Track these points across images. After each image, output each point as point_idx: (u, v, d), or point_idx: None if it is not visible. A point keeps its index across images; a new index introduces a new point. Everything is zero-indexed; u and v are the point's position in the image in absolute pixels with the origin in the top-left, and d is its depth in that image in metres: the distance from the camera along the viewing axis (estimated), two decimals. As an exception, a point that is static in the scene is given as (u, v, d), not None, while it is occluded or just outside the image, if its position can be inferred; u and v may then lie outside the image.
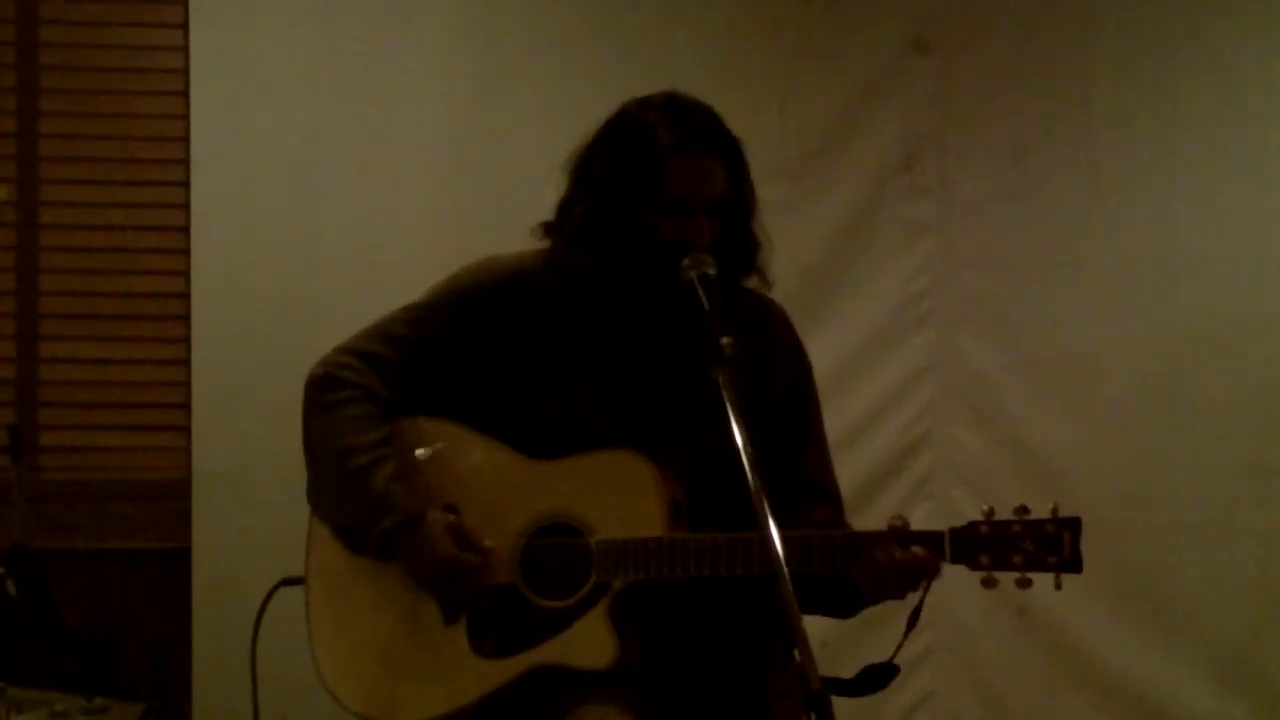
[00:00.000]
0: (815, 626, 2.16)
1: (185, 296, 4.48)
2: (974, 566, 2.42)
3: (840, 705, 2.06)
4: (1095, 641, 4.54)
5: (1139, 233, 4.61)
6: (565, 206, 2.67)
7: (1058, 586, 2.38)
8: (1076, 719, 4.56)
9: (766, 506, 2.21)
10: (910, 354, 4.63)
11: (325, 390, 2.67)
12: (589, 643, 2.48)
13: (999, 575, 2.41)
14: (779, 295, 2.82)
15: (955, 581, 4.38)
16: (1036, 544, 2.39)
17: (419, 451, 2.66)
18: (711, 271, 2.48)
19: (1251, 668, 4.50)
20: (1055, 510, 2.40)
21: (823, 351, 2.83)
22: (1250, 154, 4.60)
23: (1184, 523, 4.53)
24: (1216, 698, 4.50)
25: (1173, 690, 4.52)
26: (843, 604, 2.58)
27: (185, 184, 4.47)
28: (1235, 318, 4.57)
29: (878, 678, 2.60)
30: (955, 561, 2.42)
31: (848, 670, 2.60)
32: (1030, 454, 4.55)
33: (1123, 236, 4.62)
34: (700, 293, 2.45)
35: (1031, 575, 2.40)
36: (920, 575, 2.42)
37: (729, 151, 2.61)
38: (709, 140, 2.59)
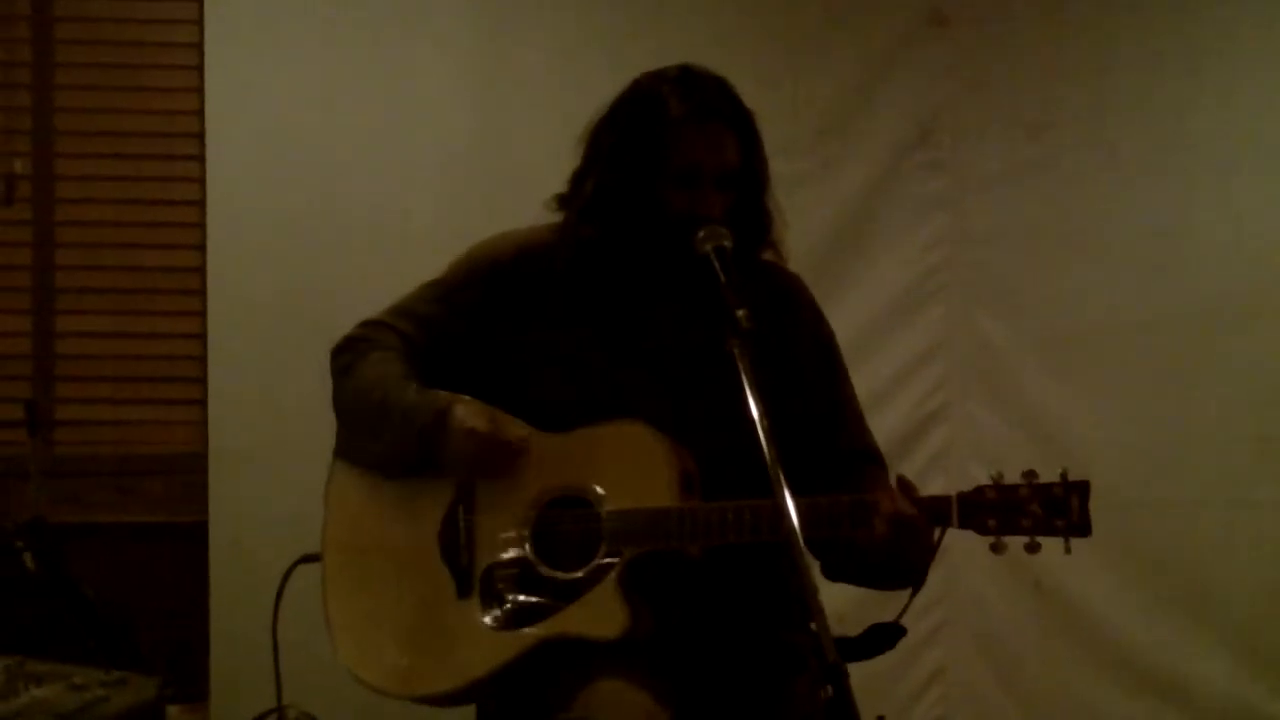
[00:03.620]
0: (831, 599, 2.16)
1: (201, 270, 4.49)
2: (982, 531, 2.41)
3: (856, 678, 2.06)
4: (1110, 616, 4.54)
5: (1154, 208, 4.60)
6: (577, 178, 2.68)
7: (1067, 550, 2.37)
8: (1091, 694, 4.56)
9: (782, 477, 2.20)
10: (924, 329, 4.64)
11: (348, 351, 2.71)
12: (599, 613, 2.49)
13: (1007, 540, 2.40)
14: (794, 268, 2.81)
15: (969, 556, 4.40)
16: (1045, 507, 2.38)
17: None
18: (727, 244, 2.47)
19: (1268, 641, 4.49)
20: (1064, 474, 2.39)
21: (837, 325, 2.82)
22: (1267, 130, 4.58)
23: (1199, 498, 4.52)
24: (1232, 672, 4.50)
25: (1188, 665, 4.52)
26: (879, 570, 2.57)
27: (201, 158, 4.47)
28: (1251, 293, 4.56)
29: (884, 637, 2.59)
30: (963, 526, 2.41)
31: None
32: (1045, 429, 4.55)
33: (1138, 211, 4.61)
34: (716, 265, 2.44)
35: (1040, 539, 2.39)
36: (910, 535, 2.41)
37: (741, 123, 2.61)
38: (721, 111, 2.58)
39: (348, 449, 2.72)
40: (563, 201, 2.70)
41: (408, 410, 2.59)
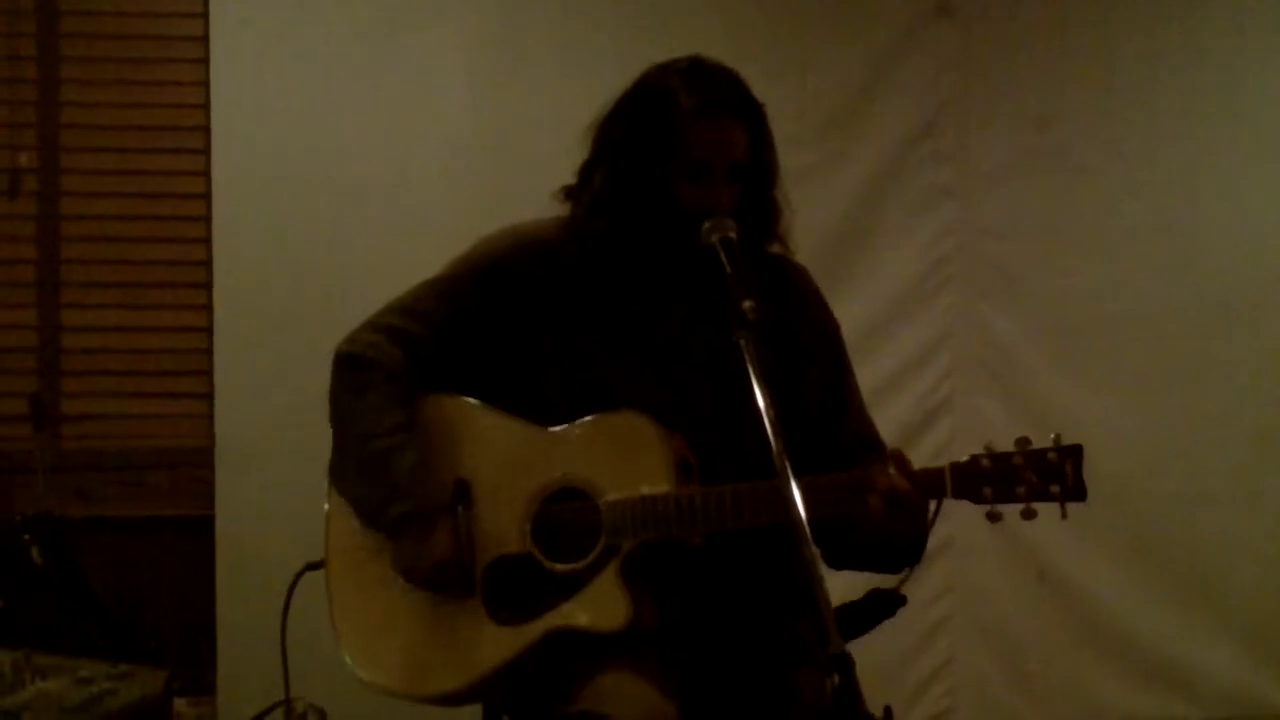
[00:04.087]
0: (835, 588, 2.15)
1: (207, 264, 4.49)
2: (977, 500, 2.39)
3: (862, 669, 2.06)
4: (1116, 608, 4.55)
5: (1161, 199, 4.61)
6: (586, 171, 2.67)
7: (1064, 515, 2.35)
8: (1097, 685, 4.57)
9: (789, 468, 2.20)
10: (930, 320, 4.63)
11: (351, 370, 2.67)
12: (602, 604, 2.48)
13: (1003, 508, 2.39)
14: (800, 261, 2.81)
15: (976, 548, 4.39)
16: (1039, 474, 2.37)
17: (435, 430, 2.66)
18: (733, 235, 2.47)
19: (1271, 632, 4.50)
20: (1056, 439, 2.38)
21: (843, 318, 2.81)
22: (1273, 124, 4.59)
23: (1205, 490, 4.53)
24: (1236, 662, 4.51)
25: (1193, 656, 4.53)
26: (878, 552, 2.57)
27: (206, 151, 4.47)
28: (1258, 285, 4.58)
29: (884, 604, 2.60)
30: (958, 496, 2.41)
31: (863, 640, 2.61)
32: (1049, 421, 4.45)
33: (1145, 203, 4.61)
34: (722, 257, 2.44)
35: (1036, 506, 2.37)
36: (906, 509, 2.41)
37: (751, 116, 2.60)
38: (731, 104, 2.57)
39: (336, 476, 2.71)
40: (571, 194, 2.70)
41: (394, 488, 2.57)
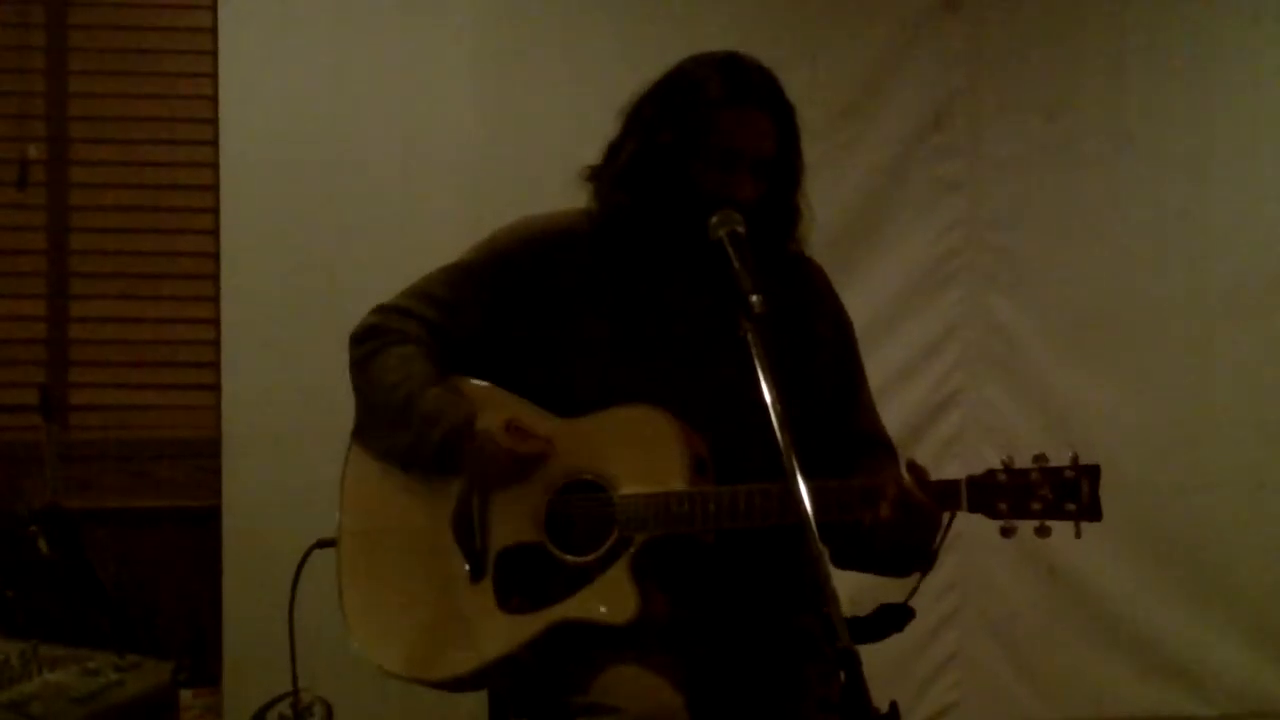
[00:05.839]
0: (844, 584, 2.15)
1: (215, 255, 4.49)
2: (992, 515, 2.40)
3: (869, 663, 2.06)
4: (1125, 601, 4.55)
5: (1171, 191, 4.61)
6: (614, 149, 2.67)
7: (1078, 535, 2.35)
8: (1106, 678, 4.57)
9: (795, 463, 2.20)
10: (940, 312, 4.63)
11: (367, 339, 2.70)
12: (611, 597, 2.48)
13: (1018, 524, 2.39)
14: (809, 253, 2.81)
15: (984, 542, 4.40)
16: (1055, 491, 2.37)
17: None
18: (740, 229, 2.47)
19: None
20: (1075, 458, 2.38)
21: (852, 310, 2.81)
22: (1285, 112, 4.59)
23: (1212, 482, 4.54)
24: (1244, 654, 4.52)
25: (1203, 649, 4.54)
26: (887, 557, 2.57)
27: (214, 143, 4.48)
28: (1266, 277, 4.58)
29: (894, 618, 2.60)
30: (973, 510, 2.40)
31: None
32: (1059, 413, 4.55)
33: (1154, 195, 4.61)
34: (730, 250, 2.44)
35: (1050, 524, 2.38)
36: (918, 519, 2.41)
37: (781, 114, 2.60)
38: (761, 97, 2.58)
39: (366, 437, 2.72)
40: (595, 172, 2.69)
41: (432, 412, 2.58)
